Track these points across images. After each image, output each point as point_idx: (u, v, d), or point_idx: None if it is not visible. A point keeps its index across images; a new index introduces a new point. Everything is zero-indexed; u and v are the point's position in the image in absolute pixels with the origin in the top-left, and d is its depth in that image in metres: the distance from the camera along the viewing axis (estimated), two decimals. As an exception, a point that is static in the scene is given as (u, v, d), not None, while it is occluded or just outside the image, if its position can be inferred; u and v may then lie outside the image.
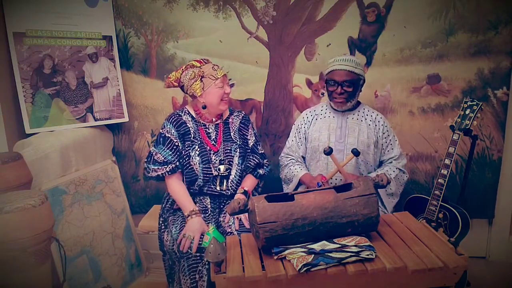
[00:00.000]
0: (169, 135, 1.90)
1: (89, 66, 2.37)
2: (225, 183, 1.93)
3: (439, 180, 2.02)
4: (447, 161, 2.00)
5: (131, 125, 2.61)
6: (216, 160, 1.91)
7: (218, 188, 1.92)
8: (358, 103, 2.09)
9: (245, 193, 1.91)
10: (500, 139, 2.37)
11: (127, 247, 2.36)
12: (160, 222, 2.00)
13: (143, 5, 2.43)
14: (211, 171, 1.90)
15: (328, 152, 1.87)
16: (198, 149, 1.89)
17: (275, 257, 1.36)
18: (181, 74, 1.88)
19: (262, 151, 2.06)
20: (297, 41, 2.41)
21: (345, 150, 2.01)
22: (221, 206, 1.95)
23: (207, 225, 1.82)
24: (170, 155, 1.88)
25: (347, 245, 1.35)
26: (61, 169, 2.08)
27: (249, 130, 2.03)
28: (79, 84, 2.33)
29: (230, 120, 2.01)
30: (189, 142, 1.90)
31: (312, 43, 2.40)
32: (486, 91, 2.33)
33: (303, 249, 1.35)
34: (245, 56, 2.46)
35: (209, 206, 1.93)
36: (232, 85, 2.43)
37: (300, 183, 2.07)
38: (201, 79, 1.85)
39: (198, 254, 1.73)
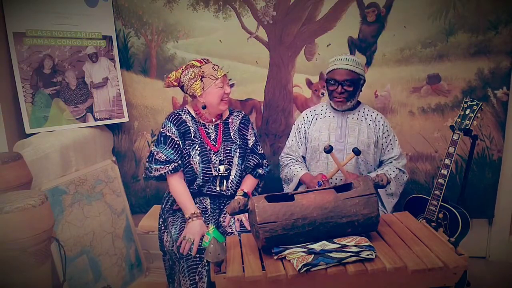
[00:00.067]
0: (170, 134, 1.89)
1: (89, 66, 2.37)
2: (225, 184, 1.93)
3: (439, 180, 2.02)
4: (447, 161, 2.00)
5: (131, 125, 2.61)
6: (216, 160, 1.91)
7: (218, 188, 1.92)
8: (358, 103, 2.10)
9: (244, 195, 1.91)
10: (500, 139, 2.37)
11: (127, 247, 2.36)
12: (160, 222, 2.00)
13: (143, 5, 2.43)
14: (211, 171, 1.90)
15: (328, 150, 1.87)
16: (199, 149, 1.89)
17: (275, 257, 1.36)
18: (181, 74, 1.88)
19: (262, 151, 2.06)
20: (297, 41, 2.41)
21: (345, 150, 2.01)
22: (221, 207, 1.95)
23: (207, 227, 1.82)
24: (172, 153, 1.88)
25: (347, 245, 1.35)
26: (61, 169, 2.08)
27: (249, 130, 2.03)
28: (79, 84, 2.33)
29: (230, 120, 2.01)
30: (189, 141, 1.90)
31: (312, 43, 2.41)
32: (486, 91, 2.33)
33: (303, 249, 1.35)
34: (245, 56, 2.46)
35: (209, 207, 1.93)
36: (232, 85, 2.43)
37: (300, 183, 2.07)
38: (201, 79, 1.85)
39: (198, 255, 1.73)
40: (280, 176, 2.19)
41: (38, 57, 2.19)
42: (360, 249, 1.32)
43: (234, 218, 1.88)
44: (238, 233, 1.80)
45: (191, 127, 1.92)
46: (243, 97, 2.53)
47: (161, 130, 1.93)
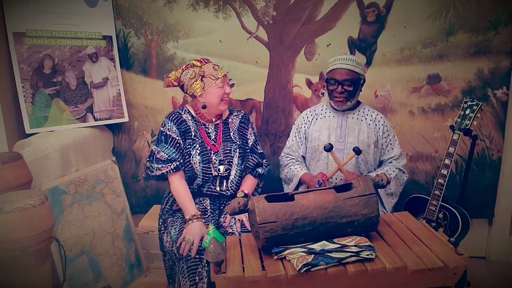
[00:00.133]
0: (171, 133, 1.89)
1: (89, 66, 2.37)
2: (224, 184, 1.92)
3: (439, 180, 2.02)
4: (447, 161, 2.00)
5: (131, 125, 2.61)
6: (216, 160, 1.91)
7: (218, 188, 1.92)
8: (358, 102, 2.10)
9: (245, 196, 1.90)
10: (500, 139, 2.37)
11: (127, 247, 2.36)
12: (160, 223, 2.00)
13: (143, 5, 2.43)
14: (211, 171, 1.90)
15: (328, 148, 1.87)
16: (199, 148, 1.89)
17: (275, 257, 1.36)
18: (181, 73, 1.88)
19: (261, 151, 2.06)
20: (297, 41, 2.41)
21: (345, 150, 2.01)
22: (221, 208, 1.95)
23: (207, 228, 1.81)
24: (174, 152, 1.87)
25: (347, 245, 1.35)
26: (61, 169, 2.08)
27: (249, 129, 2.03)
28: (79, 84, 2.33)
29: (229, 120, 2.01)
30: (189, 141, 1.90)
31: (312, 43, 2.41)
32: (486, 91, 2.33)
33: (303, 249, 1.35)
34: (245, 56, 2.46)
35: (208, 208, 1.93)
36: (232, 85, 2.43)
37: (300, 183, 2.07)
38: (201, 78, 1.84)
39: (197, 256, 1.72)
40: (280, 176, 2.19)
41: (38, 57, 2.19)
42: (360, 249, 1.32)
43: (235, 219, 1.88)
44: (239, 234, 1.79)
45: (191, 127, 1.92)
46: (243, 97, 2.53)
47: (162, 129, 1.92)
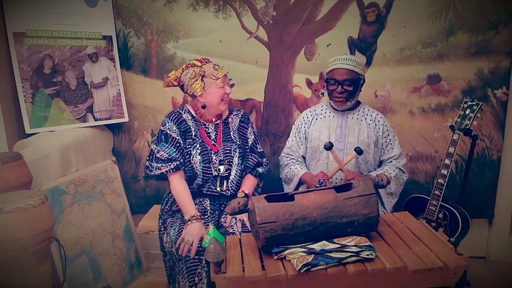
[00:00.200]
0: (171, 132, 1.88)
1: (89, 66, 2.37)
2: (225, 184, 1.92)
3: (439, 180, 2.02)
4: (447, 161, 2.00)
5: (131, 125, 2.61)
6: (216, 160, 1.91)
7: (218, 188, 1.92)
8: (358, 102, 2.10)
9: (245, 196, 1.90)
10: (500, 139, 2.37)
11: (127, 247, 2.36)
12: (160, 223, 1.99)
13: (143, 5, 2.43)
14: (211, 171, 1.90)
15: (329, 147, 1.87)
16: (199, 148, 1.89)
17: (275, 257, 1.36)
18: (181, 73, 1.87)
19: (261, 150, 2.06)
20: (297, 41, 2.41)
21: (345, 150, 2.01)
22: (221, 208, 1.95)
23: (206, 228, 1.81)
24: (174, 151, 1.87)
25: (347, 245, 1.35)
26: (61, 169, 2.08)
27: (249, 129, 2.03)
28: (79, 84, 2.33)
29: (229, 119, 2.01)
30: (190, 140, 1.90)
31: (312, 43, 2.41)
32: (485, 91, 2.33)
33: (303, 249, 1.35)
34: (245, 56, 2.46)
35: (208, 208, 1.92)
36: (232, 85, 2.43)
37: (300, 183, 2.07)
38: (202, 78, 1.84)
39: (197, 257, 1.72)
40: (280, 176, 2.19)
41: (38, 57, 2.19)
42: (360, 249, 1.32)
43: (236, 219, 1.87)
44: (240, 234, 1.79)
45: (191, 127, 1.92)
46: (243, 97, 2.53)
47: (162, 128, 1.92)
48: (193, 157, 1.88)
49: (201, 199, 1.94)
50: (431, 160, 2.45)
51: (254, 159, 2.00)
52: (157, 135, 1.94)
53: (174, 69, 1.93)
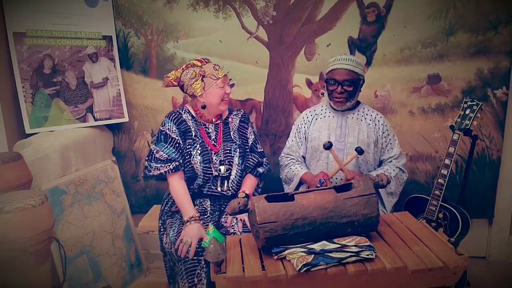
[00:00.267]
0: (170, 133, 1.88)
1: (89, 66, 2.37)
2: (225, 184, 1.92)
3: (439, 180, 2.02)
4: (447, 161, 2.00)
5: (131, 125, 2.61)
6: (217, 160, 1.91)
7: (219, 189, 1.91)
8: (358, 102, 2.10)
9: (246, 196, 1.90)
10: (500, 139, 2.37)
11: (127, 247, 2.36)
12: (160, 224, 1.99)
13: (143, 5, 2.43)
14: (211, 171, 1.89)
15: (328, 146, 1.87)
16: (200, 148, 1.88)
17: (275, 257, 1.36)
18: (181, 73, 1.87)
19: (261, 150, 2.06)
20: (297, 41, 2.41)
21: (345, 150, 2.01)
22: (222, 208, 1.94)
23: (206, 229, 1.81)
24: (173, 152, 1.86)
25: (347, 245, 1.35)
26: (61, 169, 2.08)
27: (249, 128, 2.02)
28: (79, 84, 2.33)
29: (229, 119, 2.01)
30: (190, 141, 1.89)
31: (312, 43, 2.41)
32: (485, 91, 2.33)
33: (303, 249, 1.35)
34: (245, 56, 2.46)
35: (208, 209, 1.92)
36: (232, 85, 2.43)
37: (301, 183, 2.07)
38: (202, 78, 1.84)
39: (195, 258, 1.72)
40: (280, 176, 2.19)
41: (38, 57, 2.19)
42: (360, 249, 1.32)
43: (236, 218, 1.87)
44: (241, 234, 1.79)
45: (191, 127, 1.91)
46: (243, 97, 2.53)
47: (161, 128, 1.91)
48: (193, 157, 1.87)
49: (201, 200, 1.94)
50: (431, 160, 2.45)
51: (254, 159, 2.00)
52: (156, 135, 1.94)
53: (174, 69, 1.92)
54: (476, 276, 2.31)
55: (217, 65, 1.88)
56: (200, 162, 1.87)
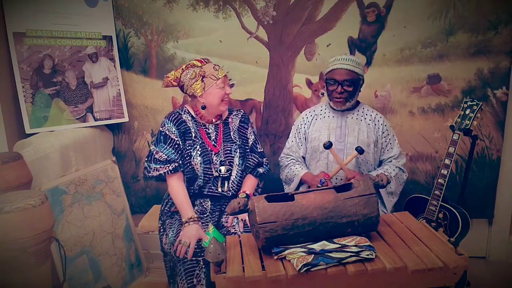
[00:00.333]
0: (170, 134, 1.87)
1: (89, 66, 2.37)
2: (226, 185, 1.92)
3: (439, 180, 2.02)
4: (447, 161, 2.00)
5: (131, 125, 2.61)
6: (217, 161, 1.90)
7: (219, 189, 1.91)
8: (358, 102, 2.10)
9: (247, 196, 1.90)
10: (500, 138, 2.37)
11: (127, 247, 2.36)
12: (160, 224, 1.99)
13: (143, 5, 2.43)
14: (212, 172, 1.89)
15: (328, 145, 1.87)
16: (200, 149, 1.88)
17: (275, 257, 1.36)
18: (181, 73, 1.86)
19: (261, 150, 2.06)
20: (297, 41, 2.41)
21: (345, 150, 2.01)
22: (222, 208, 1.94)
23: (204, 231, 1.80)
24: (173, 153, 1.86)
25: (347, 245, 1.35)
26: (61, 169, 2.08)
27: (249, 129, 2.02)
28: (79, 84, 2.33)
29: (229, 120, 2.00)
30: (190, 142, 1.89)
31: (312, 43, 2.41)
32: (485, 91, 2.33)
33: (303, 249, 1.35)
34: (245, 56, 2.46)
35: (208, 209, 1.92)
36: (232, 85, 2.43)
37: (301, 183, 2.07)
38: (202, 79, 1.84)
39: (194, 258, 1.72)
40: (281, 177, 2.18)
41: (38, 57, 2.19)
42: (360, 249, 1.32)
43: (237, 218, 1.87)
44: (240, 234, 1.79)
45: (191, 127, 1.91)
46: (243, 97, 2.53)
47: (161, 129, 1.91)
48: (193, 158, 1.87)
49: (201, 200, 1.94)
50: (431, 160, 2.45)
51: (255, 159, 2.00)
52: (156, 135, 1.93)
53: (174, 69, 1.92)
54: (476, 276, 2.31)
55: (217, 65, 1.88)
56: (200, 163, 1.87)
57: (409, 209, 2.01)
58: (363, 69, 2.02)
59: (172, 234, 1.83)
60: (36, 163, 1.96)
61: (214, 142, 1.93)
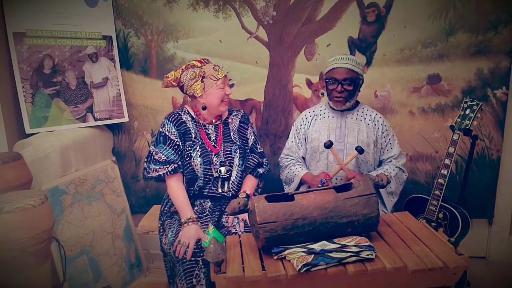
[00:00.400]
0: (169, 134, 1.87)
1: (89, 66, 2.37)
2: (226, 185, 1.92)
3: (439, 180, 2.02)
4: (447, 161, 2.00)
5: (131, 125, 2.61)
6: (217, 161, 1.90)
7: (219, 190, 1.91)
8: (357, 102, 2.10)
9: (247, 196, 1.89)
10: (500, 138, 2.37)
11: (127, 247, 2.36)
12: (159, 224, 1.99)
13: (143, 5, 2.43)
14: (212, 172, 1.89)
15: (328, 145, 1.87)
16: (200, 150, 1.88)
17: (275, 257, 1.36)
18: (181, 74, 1.86)
19: (261, 150, 2.06)
20: (297, 41, 2.41)
21: (345, 150, 2.01)
22: (222, 209, 1.94)
23: (204, 230, 1.80)
24: (172, 154, 1.86)
25: (347, 245, 1.35)
26: (61, 169, 2.08)
27: (249, 129, 2.02)
28: (79, 84, 2.33)
29: (229, 120, 2.00)
30: (189, 142, 1.89)
31: (312, 43, 2.41)
32: (485, 91, 2.33)
33: (303, 249, 1.35)
34: (245, 56, 2.46)
35: (209, 209, 1.92)
36: (232, 86, 2.43)
37: (301, 184, 2.07)
38: (202, 79, 1.84)
39: (193, 258, 1.72)
40: (281, 177, 2.18)
41: (38, 57, 2.19)
42: (360, 249, 1.32)
43: (238, 218, 1.87)
44: (242, 234, 1.78)
45: (191, 128, 1.91)
46: (243, 97, 2.53)
47: (160, 129, 1.90)
48: (193, 159, 1.87)
49: (201, 201, 1.93)
50: (431, 160, 2.45)
51: (255, 160, 2.00)
52: (156, 136, 1.93)
53: (174, 69, 1.92)
54: (476, 276, 2.31)
55: (217, 65, 1.88)
56: (200, 164, 1.87)
57: (409, 209, 2.01)
58: (363, 69, 2.02)
59: (171, 234, 1.83)
60: (36, 163, 1.96)
61: (214, 142, 1.93)
